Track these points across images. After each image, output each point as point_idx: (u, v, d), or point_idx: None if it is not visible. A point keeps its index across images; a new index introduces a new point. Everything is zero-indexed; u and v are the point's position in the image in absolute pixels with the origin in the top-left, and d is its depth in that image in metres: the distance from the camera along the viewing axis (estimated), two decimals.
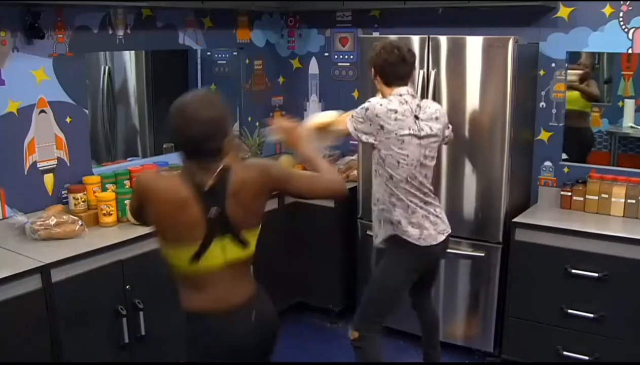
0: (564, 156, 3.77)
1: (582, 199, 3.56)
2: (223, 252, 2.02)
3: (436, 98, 3.48)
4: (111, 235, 3.15)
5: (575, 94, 3.87)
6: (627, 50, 3.49)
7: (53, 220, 3.05)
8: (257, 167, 2.08)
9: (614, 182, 3.47)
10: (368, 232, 3.87)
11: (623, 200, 3.44)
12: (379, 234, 3.04)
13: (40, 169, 3.26)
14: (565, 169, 3.74)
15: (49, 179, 3.31)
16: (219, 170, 1.96)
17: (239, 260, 2.07)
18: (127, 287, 3.03)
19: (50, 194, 3.31)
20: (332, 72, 4.50)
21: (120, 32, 3.59)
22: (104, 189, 3.41)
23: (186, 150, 1.98)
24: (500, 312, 3.56)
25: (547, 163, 3.79)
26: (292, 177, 2.12)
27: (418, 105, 2.88)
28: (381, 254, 3.13)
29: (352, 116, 2.93)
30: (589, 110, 4.00)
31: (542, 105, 3.76)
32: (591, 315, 3.23)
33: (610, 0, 3.47)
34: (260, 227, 2.11)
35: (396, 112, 2.80)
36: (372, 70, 2.94)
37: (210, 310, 2.05)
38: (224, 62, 4.47)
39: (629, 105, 3.92)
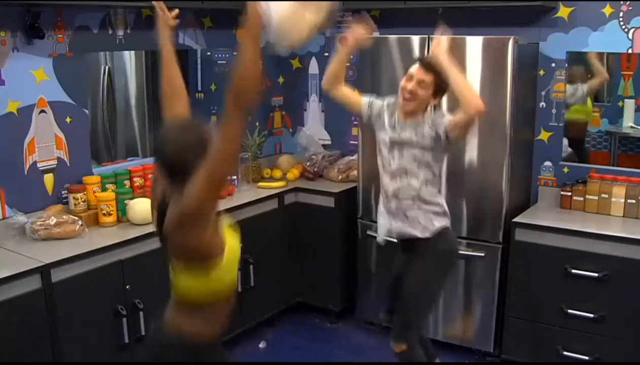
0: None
1: (582, 199, 3.56)
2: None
3: None
4: (111, 235, 3.16)
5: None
6: (627, 50, 3.49)
7: (53, 220, 3.05)
8: (177, 206, 1.88)
9: (614, 182, 3.47)
10: (368, 232, 3.88)
11: (623, 200, 3.44)
12: (423, 228, 2.90)
13: (40, 169, 3.26)
14: (565, 169, 3.74)
15: (49, 179, 3.31)
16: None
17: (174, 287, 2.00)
18: (127, 287, 3.03)
19: (50, 194, 3.31)
20: None
21: (120, 32, 3.59)
22: (104, 189, 3.41)
23: (161, 170, 1.96)
24: (500, 312, 3.56)
25: (547, 163, 3.79)
26: (190, 187, 1.82)
27: None
28: (406, 254, 3.00)
29: None
30: (590, 119, 4.00)
31: (542, 105, 3.76)
32: (591, 315, 3.23)
33: (610, 0, 3.47)
34: (206, 268, 1.89)
35: None
36: (443, 94, 2.87)
37: None
38: (224, 62, 4.47)
39: (629, 105, 3.92)
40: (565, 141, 3.82)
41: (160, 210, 1.97)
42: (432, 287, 2.98)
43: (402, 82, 2.86)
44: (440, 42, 2.79)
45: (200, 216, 1.83)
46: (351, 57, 3.02)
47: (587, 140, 4.00)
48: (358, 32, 2.89)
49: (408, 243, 2.97)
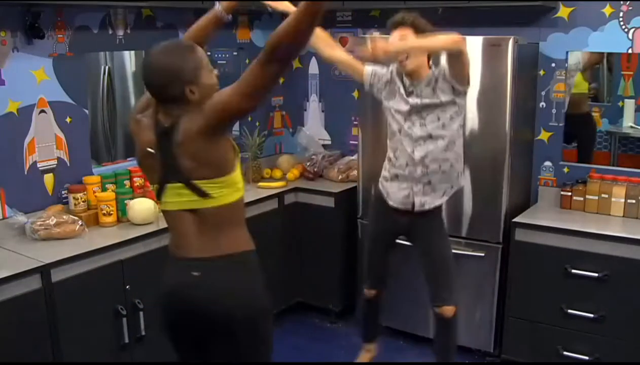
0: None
1: (582, 199, 3.56)
2: (178, 198, 1.99)
3: None
4: (111, 235, 3.15)
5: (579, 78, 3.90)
6: (627, 50, 3.49)
7: (53, 220, 3.05)
8: (200, 114, 1.90)
9: (614, 182, 3.47)
10: None
11: (623, 200, 3.44)
12: (442, 195, 3.03)
13: (40, 169, 3.26)
14: (565, 169, 3.74)
15: (49, 179, 3.31)
16: (175, 116, 1.94)
17: (198, 210, 1.98)
18: (127, 287, 3.03)
19: (50, 194, 3.31)
20: (332, 72, 4.50)
21: (120, 32, 3.60)
22: (104, 189, 3.41)
23: (151, 95, 2.00)
24: (500, 312, 3.56)
25: (547, 163, 3.79)
26: (225, 95, 1.87)
27: None
28: (408, 221, 3.08)
29: None
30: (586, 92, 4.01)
31: (542, 105, 3.76)
32: (591, 315, 3.23)
33: (610, 0, 3.47)
34: (223, 177, 1.96)
35: None
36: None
37: (171, 252, 2.08)
38: (224, 62, 4.47)
39: (629, 105, 3.92)
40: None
41: (159, 136, 1.97)
42: (449, 246, 3.15)
43: None
44: (379, 46, 2.69)
45: (218, 129, 1.89)
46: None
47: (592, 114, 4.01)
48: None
49: (420, 212, 3.05)
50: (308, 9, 1.72)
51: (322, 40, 3.05)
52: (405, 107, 2.95)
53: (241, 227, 2.09)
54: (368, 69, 3.09)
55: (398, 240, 3.29)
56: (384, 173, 3.13)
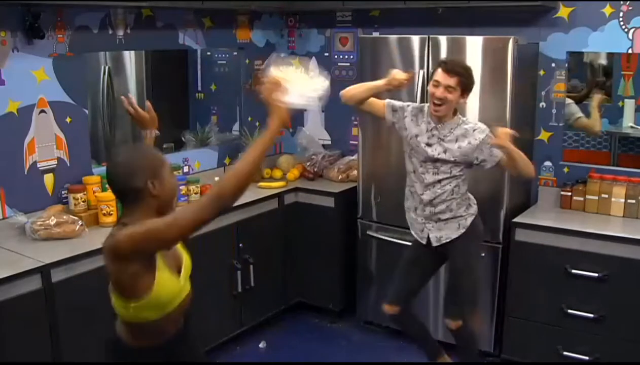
0: None
1: (582, 199, 3.56)
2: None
3: None
4: None
5: None
6: (627, 50, 3.49)
7: (53, 220, 3.05)
8: (113, 237, 1.83)
9: (614, 182, 3.47)
10: (368, 232, 3.88)
11: (623, 200, 3.44)
12: (457, 228, 3.04)
13: (40, 169, 3.26)
14: (565, 169, 3.74)
15: (49, 179, 3.31)
16: (123, 217, 1.91)
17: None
18: None
19: (50, 194, 3.31)
20: (332, 72, 4.50)
21: (120, 32, 3.59)
22: (104, 189, 3.41)
23: (115, 195, 2.02)
24: (500, 312, 3.56)
25: (547, 163, 3.79)
26: (129, 230, 1.78)
27: None
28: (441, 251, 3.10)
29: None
30: None
31: (542, 105, 3.76)
32: (591, 315, 3.23)
33: (610, 0, 3.47)
34: (125, 302, 1.90)
35: None
36: (470, 92, 2.96)
37: None
38: (224, 62, 4.47)
39: (629, 105, 3.93)
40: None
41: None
42: (477, 269, 3.20)
43: (430, 89, 2.93)
44: (504, 134, 2.79)
45: (126, 257, 1.80)
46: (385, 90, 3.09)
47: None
48: (401, 78, 2.98)
49: (441, 245, 3.09)
50: (264, 150, 1.77)
51: (357, 99, 3.09)
52: (423, 156, 2.98)
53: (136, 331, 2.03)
54: (388, 107, 3.09)
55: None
56: (406, 203, 3.18)
